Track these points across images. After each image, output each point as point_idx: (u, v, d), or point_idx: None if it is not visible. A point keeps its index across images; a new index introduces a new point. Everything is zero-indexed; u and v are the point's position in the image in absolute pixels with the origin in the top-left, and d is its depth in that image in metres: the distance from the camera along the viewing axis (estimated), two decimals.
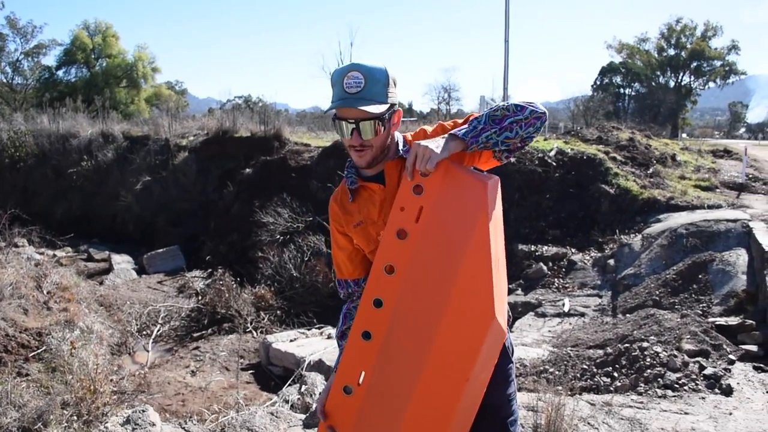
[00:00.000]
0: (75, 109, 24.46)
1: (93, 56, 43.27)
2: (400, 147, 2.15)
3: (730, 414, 4.63)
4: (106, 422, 3.74)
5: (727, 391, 5.04)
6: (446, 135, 1.96)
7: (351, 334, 1.93)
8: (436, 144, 1.89)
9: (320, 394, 1.95)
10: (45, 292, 9.52)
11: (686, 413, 4.61)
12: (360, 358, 1.88)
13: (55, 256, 14.41)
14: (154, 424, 3.67)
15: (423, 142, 1.90)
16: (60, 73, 43.75)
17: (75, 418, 5.98)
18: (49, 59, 45.21)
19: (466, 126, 1.99)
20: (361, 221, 2.16)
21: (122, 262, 14.23)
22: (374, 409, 1.84)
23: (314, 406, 1.92)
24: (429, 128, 2.17)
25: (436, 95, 58.62)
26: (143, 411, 3.77)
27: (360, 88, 1.97)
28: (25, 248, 13.50)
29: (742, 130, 77.73)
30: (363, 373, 1.87)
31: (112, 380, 6.59)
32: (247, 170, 15.62)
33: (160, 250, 14.44)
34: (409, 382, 1.78)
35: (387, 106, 2.01)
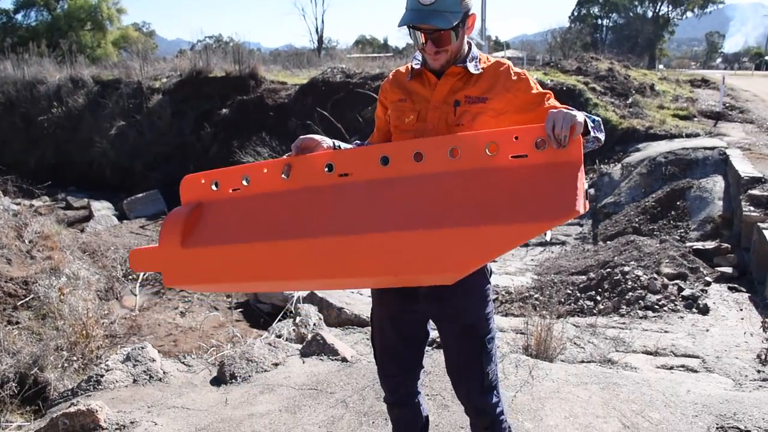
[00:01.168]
0: (39, 54, 23.68)
1: None
2: (469, 56, 2.13)
3: (707, 331, 4.84)
4: (107, 360, 3.80)
5: (704, 310, 5.24)
6: (576, 111, 1.85)
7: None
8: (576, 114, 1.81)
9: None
10: (27, 241, 9.46)
11: (666, 331, 4.80)
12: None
13: (32, 205, 14.21)
14: (154, 360, 3.73)
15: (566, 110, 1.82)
16: (18, 17, 42.19)
17: (71, 361, 6.05)
18: (6, 2, 43.56)
19: (588, 116, 1.95)
20: (403, 98, 2.20)
21: (102, 208, 14.10)
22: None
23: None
24: (512, 67, 2.15)
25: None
26: (142, 348, 3.82)
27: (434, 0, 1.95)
28: (1, 199, 13.30)
29: (719, 60, 77.77)
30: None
31: (103, 324, 6.64)
32: (224, 110, 15.41)
33: (140, 195, 14.32)
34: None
35: (461, 15, 2.00)
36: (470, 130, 2.04)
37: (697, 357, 4.31)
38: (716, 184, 8.17)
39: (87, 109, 18.80)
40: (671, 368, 4.06)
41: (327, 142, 2.17)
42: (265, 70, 17.99)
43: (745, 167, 7.78)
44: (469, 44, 2.17)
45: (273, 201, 2.11)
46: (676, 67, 44.31)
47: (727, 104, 14.43)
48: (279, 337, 4.64)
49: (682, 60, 65.12)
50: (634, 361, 4.09)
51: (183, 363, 3.95)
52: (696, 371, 3.99)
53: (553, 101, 2.08)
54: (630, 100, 13.48)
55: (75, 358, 5.95)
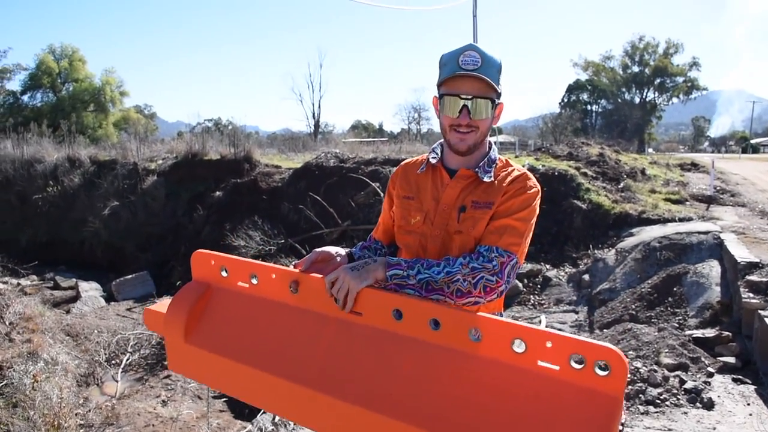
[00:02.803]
0: (40, 133, 24.03)
1: (59, 80, 42.76)
2: (488, 158, 2.04)
3: (714, 429, 4.58)
4: None
5: (709, 405, 4.99)
6: (376, 260, 1.86)
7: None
8: (359, 274, 1.80)
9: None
10: (7, 323, 9.19)
11: (670, 429, 4.54)
12: None
13: (19, 284, 13.97)
14: None
15: (348, 268, 1.81)
16: (25, 98, 43.21)
17: None
18: (14, 84, 44.62)
19: (401, 266, 1.84)
20: (411, 196, 2.11)
21: (90, 289, 13.83)
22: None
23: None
24: (527, 186, 2.01)
25: (406, 115, 59.19)
26: None
27: (477, 65, 1.88)
28: None
29: (706, 143, 79.66)
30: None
31: (78, 414, 6.32)
32: (218, 193, 15.41)
33: (129, 276, 14.09)
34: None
35: (497, 93, 1.94)
36: (469, 237, 1.95)
37: None
38: (712, 269, 8.04)
39: (82, 188, 18.85)
40: None
41: (341, 254, 2.06)
42: (260, 153, 18.17)
43: (741, 252, 7.67)
44: (491, 144, 2.09)
45: (277, 315, 1.96)
46: (665, 150, 45.25)
47: (718, 188, 14.52)
48: (261, 431, 4.38)
49: (671, 144, 66.67)
50: None
51: None
52: None
53: (511, 232, 1.92)
54: (622, 184, 13.55)
55: None
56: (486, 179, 1.99)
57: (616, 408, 1.44)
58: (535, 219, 2.00)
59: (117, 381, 8.98)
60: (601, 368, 1.46)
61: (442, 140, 2.10)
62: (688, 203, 12.72)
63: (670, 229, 10.09)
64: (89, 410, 7.50)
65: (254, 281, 2.02)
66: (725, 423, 4.68)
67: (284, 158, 19.43)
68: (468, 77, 1.88)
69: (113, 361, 9.65)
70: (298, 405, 1.80)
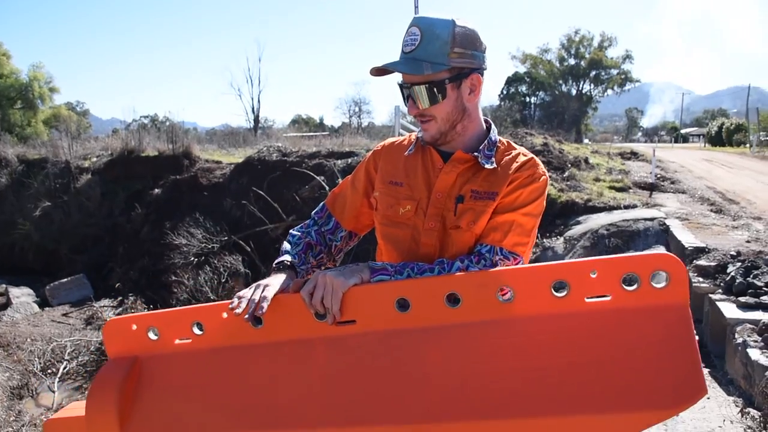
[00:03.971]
0: None
1: None
2: (486, 141, 1.74)
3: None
4: None
5: None
6: (358, 264, 1.62)
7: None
8: (342, 272, 1.55)
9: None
10: None
11: None
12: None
13: None
14: None
15: (326, 271, 1.56)
16: None
17: None
18: None
19: (387, 271, 1.60)
20: (398, 182, 1.79)
21: (22, 295, 13.17)
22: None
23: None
24: (536, 172, 1.74)
25: (347, 109, 58.98)
26: None
27: (414, 46, 1.62)
28: None
29: (639, 134, 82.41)
30: None
31: (9, 430, 5.94)
32: (156, 190, 14.90)
33: (64, 279, 13.48)
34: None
35: (445, 68, 1.62)
36: (468, 234, 1.66)
37: None
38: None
39: (10, 189, 17.91)
40: None
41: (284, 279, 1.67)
42: (200, 149, 17.67)
43: (687, 237, 7.82)
44: (488, 123, 1.81)
45: (243, 362, 1.56)
46: (601, 141, 46.46)
47: (659, 175, 14.91)
48: None
49: (606, 134, 68.57)
50: None
51: None
52: None
53: (517, 231, 1.66)
54: (567, 173, 13.73)
55: None
56: (488, 166, 1.70)
57: (686, 317, 1.30)
58: (542, 214, 1.76)
59: (54, 391, 8.54)
60: (657, 281, 1.32)
61: None
62: (631, 191, 13.00)
63: (616, 216, 10.23)
64: (23, 425, 7.09)
65: (198, 331, 1.62)
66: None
67: (225, 153, 18.96)
68: (405, 63, 1.64)
69: (49, 371, 9.18)
70: None
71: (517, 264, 1.62)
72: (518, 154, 1.76)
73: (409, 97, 1.67)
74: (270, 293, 1.55)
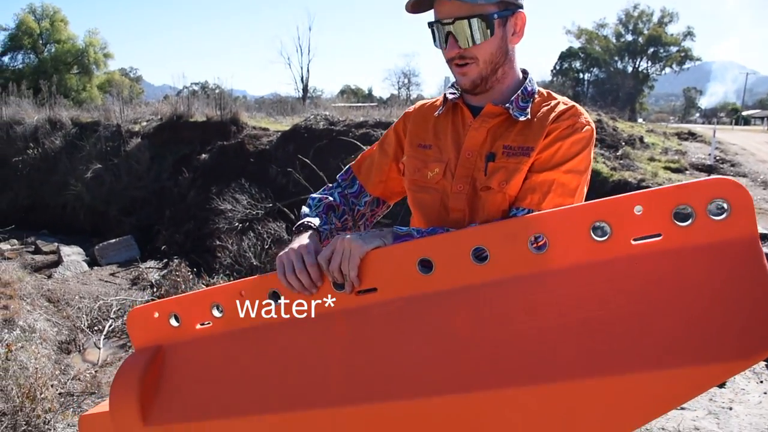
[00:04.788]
0: (20, 95, 23.31)
1: (41, 42, 41.61)
2: (521, 91, 1.55)
3: (730, 409, 4.36)
4: None
5: (720, 383, 4.78)
6: (382, 229, 1.47)
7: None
8: (362, 236, 1.41)
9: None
10: None
11: (683, 408, 4.31)
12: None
13: None
14: None
15: (346, 235, 1.42)
16: (5, 59, 42.01)
17: (11, 430, 5.45)
18: None
19: (412, 236, 1.44)
20: (427, 144, 1.63)
21: (72, 254, 13.49)
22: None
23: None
24: (578, 122, 1.52)
25: (396, 80, 58.58)
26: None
27: None
28: None
29: (697, 115, 79.61)
30: None
31: (54, 385, 6.04)
32: (203, 156, 15.00)
33: (113, 240, 13.75)
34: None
35: (495, 2, 1.44)
36: (500, 196, 1.48)
37: None
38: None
39: (64, 151, 18.33)
40: None
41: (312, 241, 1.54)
42: (248, 116, 17.70)
43: None
44: (525, 72, 1.61)
45: (262, 342, 1.50)
46: (656, 120, 45.03)
47: (718, 158, 14.33)
48: None
49: (661, 114, 66.48)
50: None
51: None
52: None
53: (558, 191, 1.46)
54: (620, 152, 13.29)
55: (17, 424, 5.36)
56: (521, 118, 1.50)
57: (756, 251, 1.08)
58: (590, 170, 1.54)
59: (99, 348, 8.71)
60: (715, 212, 1.12)
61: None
62: (687, 172, 12.53)
63: None
64: (69, 379, 7.24)
65: (217, 313, 1.56)
66: (739, 402, 4.47)
67: (272, 121, 18.96)
68: None
69: (95, 328, 9.38)
70: None
71: None
72: (557, 103, 1.55)
73: (448, 36, 1.46)
74: (313, 259, 1.43)
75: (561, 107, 1.53)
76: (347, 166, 1.85)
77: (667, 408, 1.12)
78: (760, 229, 6.94)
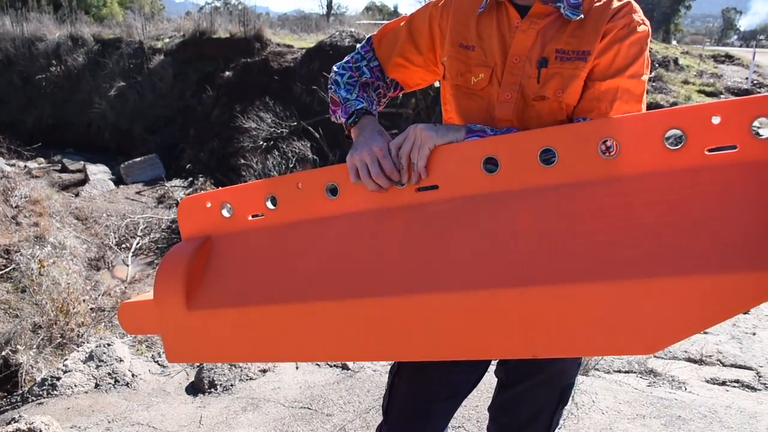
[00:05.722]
0: (40, 10, 22.92)
1: None
2: None
3: (754, 334, 4.26)
4: (66, 360, 3.25)
5: None
6: (457, 126, 1.35)
7: None
8: (437, 128, 1.31)
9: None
10: (13, 206, 8.95)
11: (706, 332, 4.21)
12: None
13: (26, 167, 13.70)
14: (122, 360, 3.18)
15: (419, 125, 1.32)
16: None
17: (49, 341, 5.57)
18: None
19: (486, 133, 1.33)
20: (470, 45, 1.46)
21: (98, 172, 13.55)
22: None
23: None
24: (635, 16, 1.39)
25: None
26: (109, 345, 3.26)
27: None
28: None
29: (734, 37, 76.31)
30: None
31: (85, 300, 6.13)
32: (227, 73, 14.73)
33: (138, 159, 13.76)
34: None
35: None
36: (556, 105, 1.36)
37: (750, 368, 3.72)
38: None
39: (86, 68, 18.11)
40: (724, 383, 3.49)
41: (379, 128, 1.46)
42: (271, 33, 17.24)
43: None
44: None
45: (316, 235, 1.44)
46: (690, 43, 43.25)
47: (756, 82, 13.71)
48: None
49: (697, 36, 63.80)
50: (680, 374, 3.53)
51: (157, 363, 3.39)
52: (755, 389, 3.42)
53: (625, 97, 1.34)
54: (653, 73, 12.78)
55: (53, 337, 5.47)
56: (574, 17, 1.35)
57: None
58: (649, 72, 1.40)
59: (127, 265, 8.84)
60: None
61: None
62: (723, 96, 12.05)
63: None
64: (100, 294, 7.36)
65: (271, 205, 1.50)
66: (763, 328, 4.38)
67: (296, 38, 18.48)
68: None
69: (123, 245, 9.50)
70: (392, 330, 1.29)
71: None
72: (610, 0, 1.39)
73: None
74: (391, 164, 1.34)
75: (615, 4, 1.38)
76: (367, 37, 1.68)
77: (730, 313, 1.08)
78: None
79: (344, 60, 1.63)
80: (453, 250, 1.26)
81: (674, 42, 41.64)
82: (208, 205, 1.57)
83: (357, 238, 1.38)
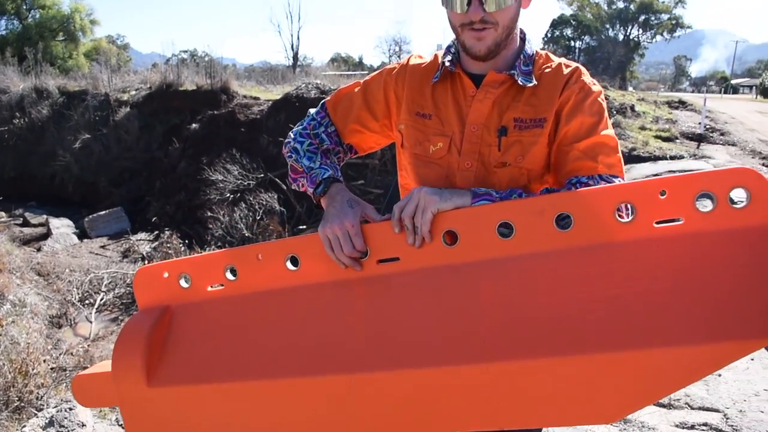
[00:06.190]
0: (4, 62, 22.85)
1: (24, 7, 40.76)
2: (522, 56, 1.47)
3: (719, 375, 4.35)
4: (24, 426, 3.17)
5: None
6: (461, 191, 1.35)
7: None
8: (441, 192, 1.32)
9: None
10: None
11: None
12: None
13: None
14: (83, 425, 3.11)
15: (424, 188, 1.33)
16: None
17: (3, 406, 5.39)
18: None
19: (492, 196, 1.32)
20: (427, 113, 1.52)
21: (61, 226, 13.34)
22: None
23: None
24: (584, 75, 1.48)
25: (387, 48, 58.04)
26: (70, 409, 3.19)
27: None
28: None
29: (686, 83, 79.45)
30: None
31: (46, 360, 5.97)
32: (194, 125, 14.79)
33: (103, 212, 13.61)
34: None
35: None
36: (517, 171, 1.42)
37: (717, 411, 3.80)
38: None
39: (51, 120, 18.05)
40: (692, 427, 3.55)
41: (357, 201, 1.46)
42: (238, 85, 17.44)
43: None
44: (523, 33, 1.51)
45: (278, 306, 1.44)
46: (645, 89, 44.91)
47: (708, 126, 14.28)
48: None
49: (651, 83, 66.21)
50: (650, 419, 3.58)
51: (121, 426, 3.32)
52: None
53: (603, 150, 1.40)
54: (612, 120, 13.19)
55: (9, 400, 5.29)
56: (528, 84, 1.43)
57: None
58: None
59: (91, 322, 8.64)
60: (733, 201, 1.14)
61: (455, 38, 1.51)
62: (678, 141, 12.52)
63: (661, 167, 9.92)
64: (61, 353, 7.17)
65: (231, 276, 1.50)
66: (728, 368, 4.46)
67: (263, 90, 18.70)
68: None
69: (87, 301, 9.29)
70: (355, 408, 1.31)
71: None
72: (559, 65, 1.48)
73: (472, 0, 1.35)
74: (361, 243, 1.36)
75: (566, 70, 1.47)
76: (321, 103, 1.71)
77: (684, 383, 1.14)
78: None
79: (300, 126, 1.66)
80: (415, 324, 1.28)
81: (630, 89, 43.15)
82: (166, 275, 1.57)
83: (319, 312, 1.39)
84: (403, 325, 1.30)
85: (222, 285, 1.52)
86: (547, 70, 1.46)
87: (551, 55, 1.52)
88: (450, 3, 1.38)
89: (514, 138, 1.42)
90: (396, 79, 1.60)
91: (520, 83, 1.42)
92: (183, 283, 1.55)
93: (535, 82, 1.44)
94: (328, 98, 1.71)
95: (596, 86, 1.45)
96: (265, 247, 1.48)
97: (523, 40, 1.50)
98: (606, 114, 1.44)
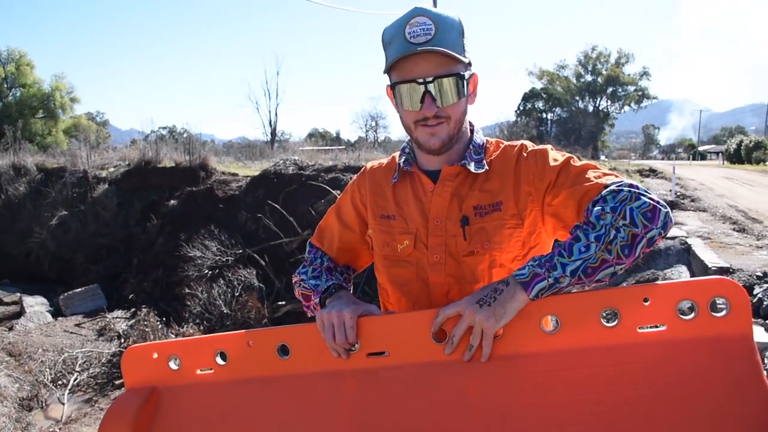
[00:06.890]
0: None
1: (5, 86, 41.23)
2: (471, 145, 1.55)
3: None
4: None
5: None
6: (508, 283, 1.33)
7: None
8: (494, 310, 1.30)
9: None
10: None
11: None
12: None
13: None
14: None
15: (472, 302, 1.33)
16: None
17: None
18: None
19: (540, 275, 1.30)
20: (390, 215, 1.60)
21: (35, 304, 13.13)
22: None
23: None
24: (527, 147, 1.56)
25: (363, 123, 59.25)
26: None
27: (430, 36, 1.38)
28: None
29: (656, 151, 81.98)
30: None
31: None
32: (172, 202, 14.88)
33: (78, 289, 13.45)
34: None
35: (467, 61, 1.44)
36: (487, 256, 1.48)
37: None
38: (681, 274, 7.96)
39: (28, 197, 18.01)
40: None
41: (355, 303, 1.51)
42: (216, 161, 17.68)
43: (710, 257, 7.61)
44: (472, 126, 1.60)
45: (267, 394, 1.46)
46: (617, 158, 46.17)
47: (679, 193, 14.67)
48: None
49: (623, 151, 68.18)
50: None
51: None
52: None
53: (588, 172, 1.44)
54: None
55: None
56: (480, 170, 1.52)
57: (750, 349, 1.18)
58: None
59: (63, 403, 8.45)
60: (715, 309, 1.21)
61: (409, 138, 1.60)
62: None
63: None
64: None
65: (221, 361, 1.53)
66: None
67: (241, 166, 18.95)
68: (422, 54, 1.38)
69: (59, 382, 9.10)
70: None
71: (625, 180, 1.39)
72: (506, 147, 1.58)
73: (425, 95, 1.41)
74: (354, 336, 1.43)
75: (511, 150, 1.56)
76: (308, 242, 1.83)
77: None
78: (722, 263, 7.11)
79: (300, 266, 1.77)
80: (403, 420, 1.33)
81: (603, 157, 44.31)
82: (155, 356, 1.58)
83: (308, 402, 1.42)
84: (392, 420, 1.34)
85: (212, 369, 1.54)
86: (496, 154, 1.56)
87: (500, 141, 1.61)
88: (403, 102, 1.45)
89: (477, 225, 1.49)
90: (359, 189, 1.71)
91: (473, 170, 1.51)
92: (172, 365, 1.57)
93: (486, 167, 1.52)
94: (312, 236, 1.83)
95: (543, 147, 1.55)
96: (256, 335, 1.51)
97: (472, 131, 1.59)
98: (567, 154, 1.51)
